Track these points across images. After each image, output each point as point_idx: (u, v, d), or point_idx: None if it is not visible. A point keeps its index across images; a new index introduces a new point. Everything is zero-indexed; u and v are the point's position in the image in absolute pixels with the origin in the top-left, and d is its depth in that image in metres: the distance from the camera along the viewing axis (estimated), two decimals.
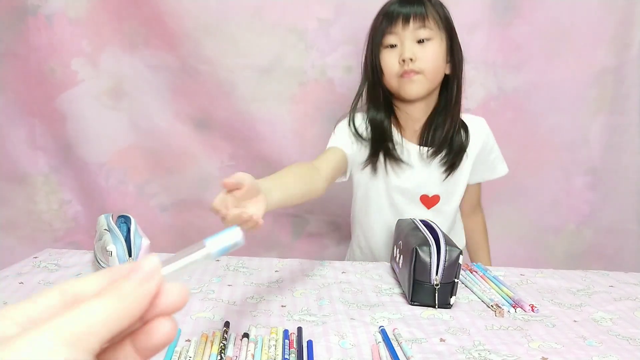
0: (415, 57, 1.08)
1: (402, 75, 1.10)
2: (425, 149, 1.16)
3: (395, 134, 1.18)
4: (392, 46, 1.11)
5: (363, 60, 1.18)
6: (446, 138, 1.14)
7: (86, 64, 1.50)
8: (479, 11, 1.47)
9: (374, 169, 1.18)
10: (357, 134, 1.17)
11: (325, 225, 1.65)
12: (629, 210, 1.57)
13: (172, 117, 1.56)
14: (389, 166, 1.17)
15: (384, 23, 1.10)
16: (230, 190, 0.71)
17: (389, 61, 1.11)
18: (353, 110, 1.19)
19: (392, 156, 1.16)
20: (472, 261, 1.30)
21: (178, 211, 1.63)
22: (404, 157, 1.17)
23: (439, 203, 1.19)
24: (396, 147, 1.17)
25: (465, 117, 1.20)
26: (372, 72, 1.14)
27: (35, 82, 1.51)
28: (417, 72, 1.09)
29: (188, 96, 1.54)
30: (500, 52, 1.49)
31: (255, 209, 0.72)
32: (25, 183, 1.58)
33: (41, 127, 1.55)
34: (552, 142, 1.55)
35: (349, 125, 1.18)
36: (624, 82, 1.49)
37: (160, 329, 0.28)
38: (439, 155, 1.16)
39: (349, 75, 1.51)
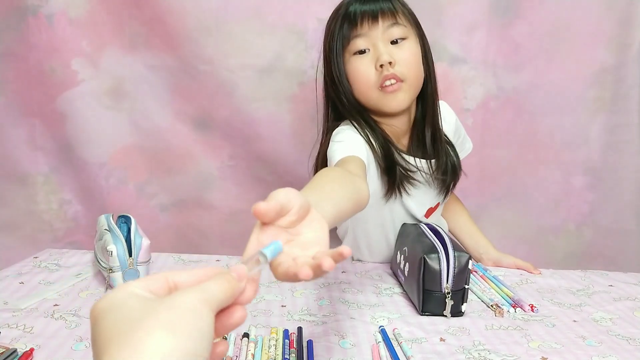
0: (394, 61, 0.93)
1: (383, 86, 0.95)
2: (425, 162, 1.03)
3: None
4: (361, 52, 0.95)
5: (322, 78, 1.04)
6: (437, 147, 1.03)
7: (86, 64, 1.50)
8: (479, 11, 1.47)
9: (399, 194, 1.01)
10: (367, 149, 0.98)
11: None
12: (628, 210, 1.57)
13: (172, 117, 1.56)
14: (403, 187, 1.01)
15: (345, 26, 0.94)
16: (270, 221, 0.47)
17: (362, 69, 0.95)
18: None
19: (406, 177, 1.00)
20: (460, 242, 1.23)
21: (178, 211, 1.63)
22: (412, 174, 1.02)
23: (437, 209, 1.14)
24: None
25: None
26: (338, 87, 0.97)
27: (35, 82, 1.51)
28: (400, 80, 0.95)
29: (188, 96, 1.53)
30: (500, 52, 1.49)
31: (314, 236, 0.50)
32: (25, 183, 1.58)
33: (41, 127, 1.55)
34: (552, 142, 1.55)
35: (359, 133, 0.98)
36: (623, 82, 1.49)
37: (237, 313, 0.42)
38: (439, 175, 1.05)
39: None
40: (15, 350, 0.66)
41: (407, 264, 0.91)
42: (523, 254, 1.60)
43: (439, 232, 0.90)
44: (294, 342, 0.72)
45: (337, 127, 1.02)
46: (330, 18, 1.01)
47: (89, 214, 1.60)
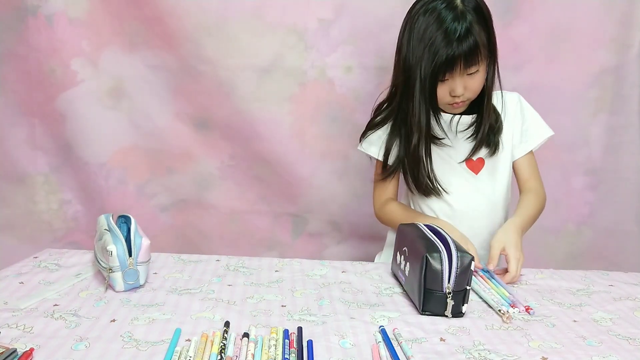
0: (465, 91, 1.10)
1: (452, 104, 1.13)
2: (456, 118, 1.16)
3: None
4: (442, 80, 1.10)
5: (397, 84, 1.15)
6: (481, 111, 1.15)
7: (86, 64, 1.50)
8: None
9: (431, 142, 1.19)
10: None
11: (325, 225, 1.65)
12: (629, 211, 1.56)
13: (172, 117, 1.56)
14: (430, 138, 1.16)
15: (442, 66, 1.05)
16: None
17: (440, 94, 1.12)
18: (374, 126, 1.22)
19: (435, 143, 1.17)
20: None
21: (178, 211, 1.63)
22: (440, 129, 1.16)
23: (485, 167, 1.18)
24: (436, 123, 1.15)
25: (497, 93, 1.20)
26: (428, 101, 1.10)
27: (35, 82, 1.51)
28: (465, 101, 1.13)
29: (188, 96, 1.54)
30: (500, 52, 1.49)
31: None
32: (25, 183, 1.58)
33: (41, 127, 1.55)
34: (552, 142, 1.53)
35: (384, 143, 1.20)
36: (624, 83, 1.49)
37: None
38: (466, 130, 1.16)
39: (349, 75, 1.51)
40: (15, 350, 0.66)
41: (407, 263, 0.91)
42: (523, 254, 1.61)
43: (440, 233, 0.90)
44: (294, 342, 0.72)
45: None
46: (429, 41, 1.05)
47: (89, 214, 1.60)
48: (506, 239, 1.04)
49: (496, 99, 1.20)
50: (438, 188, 1.17)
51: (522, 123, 1.22)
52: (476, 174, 1.18)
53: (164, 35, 1.48)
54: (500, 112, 1.19)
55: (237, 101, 1.52)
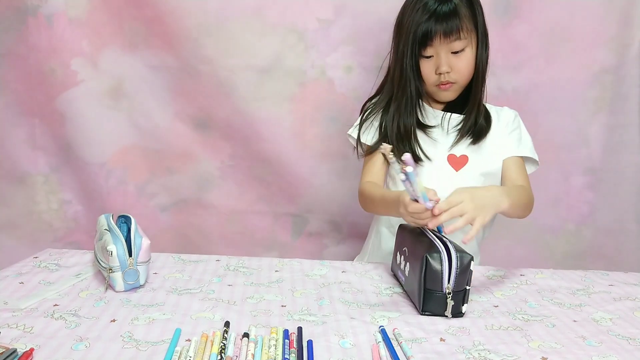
0: (451, 70, 1.12)
1: (439, 85, 1.15)
2: (448, 115, 1.19)
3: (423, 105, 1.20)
4: (427, 57, 1.14)
5: (391, 64, 1.19)
6: (469, 108, 1.17)
7: (86, 64, 1.50)
8: None
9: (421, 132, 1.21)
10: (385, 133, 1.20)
11: (325, 225, 1.65)
12: (628, 210, 1.56)
13: (172, 117, 1.56)
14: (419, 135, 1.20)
15: (420, 39, 1.11)
16: None
17: (426, 71, 1.15)
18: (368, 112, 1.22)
19: (422, 129, 1.19)
20: None
21: (178, 211, 1.63)
22: (430, 122, 1.19)
23: (467, 164, 1.17)
24: (425, 117, 1.19)
25: (494, 107, 1.23)
26: (412, 77, 1.15)
27: (35, 82, 1.51)
28: (453, 83, 1.15)
29: (188, 96, 1.54)
30: (500, 52, 1.49)
31: None
32: (25, 183, 1.58)
33: (41, 127, 1.55)
34: (552, 142, 1.54)
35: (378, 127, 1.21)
36: (623, 82, 1.49)
37: None
38: (458, 124, 1.18)
39: (349, 75, 1.51)
40: (15, 350, 0.66)
41: (407, 263, 0.91)
42: (523, 254, 1.61)
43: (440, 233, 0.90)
44: (294, 342, 0.72)
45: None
46: (408, 24, 1.12)
47: (89, 214, 1.60)
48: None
49: (493, 109, 1.22)
50: (417, 150, 1.16)
51: (512, 130, 1.22)
52: (457, 171, 1.18)
53: (164, 35, 1.48)
54: (493, 119, 1.20)
55: (237, 101, 1.52)
